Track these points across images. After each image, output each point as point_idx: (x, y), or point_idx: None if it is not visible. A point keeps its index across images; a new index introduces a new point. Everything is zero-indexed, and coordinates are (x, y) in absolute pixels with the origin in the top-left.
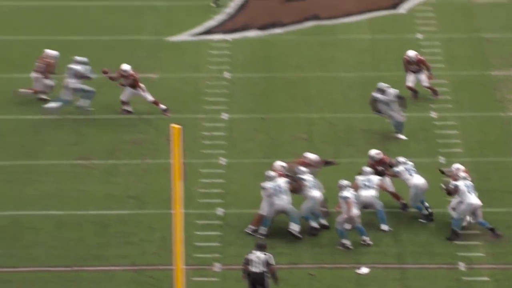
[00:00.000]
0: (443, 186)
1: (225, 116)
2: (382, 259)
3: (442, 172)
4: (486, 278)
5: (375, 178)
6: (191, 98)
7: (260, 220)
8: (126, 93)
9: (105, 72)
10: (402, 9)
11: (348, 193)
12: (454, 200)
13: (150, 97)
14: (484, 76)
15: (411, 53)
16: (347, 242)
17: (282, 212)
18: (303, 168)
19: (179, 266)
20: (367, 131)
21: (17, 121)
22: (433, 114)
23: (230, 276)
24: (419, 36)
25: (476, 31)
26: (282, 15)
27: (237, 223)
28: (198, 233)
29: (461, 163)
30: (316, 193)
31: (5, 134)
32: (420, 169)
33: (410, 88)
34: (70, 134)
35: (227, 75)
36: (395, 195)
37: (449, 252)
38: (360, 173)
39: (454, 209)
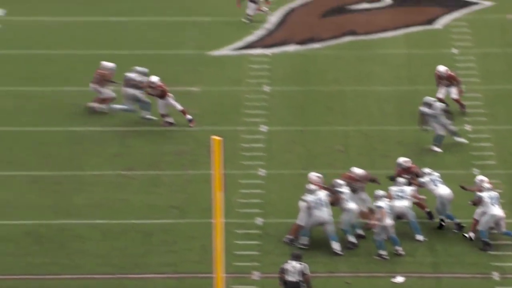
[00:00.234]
0: (470, 202)
1: (264, 128)
2: (417, 269)
3: (463, 188)
4: None
5: (409, 189)
6: (231, 110)
7: (297, 230)
8: (159, 105)
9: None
10: (438, 24)
11: (383, 203)
12: (478, 210)
13: (179, 106)
14: None
15: (442, 68)
16: (384, 252)
17: (322, 224)
18: (340, 181)
19: (219, 274)
20: (402, 143)
21: (64, 133)
22: (468, 127)
23: (268, 284)
24: (455, 51)
25: (510, 46)
26: (320, 30)
27: (275, 232)
28: (238, 242)
29: (495, 176)
30: (353, 206)
31: (52, 145)
32: (454, 181)
33: (440, 100)
34: (114, 146)
35: (266, 88)
36: (420, 204)
37: (483, 262)
38: (394, 183)
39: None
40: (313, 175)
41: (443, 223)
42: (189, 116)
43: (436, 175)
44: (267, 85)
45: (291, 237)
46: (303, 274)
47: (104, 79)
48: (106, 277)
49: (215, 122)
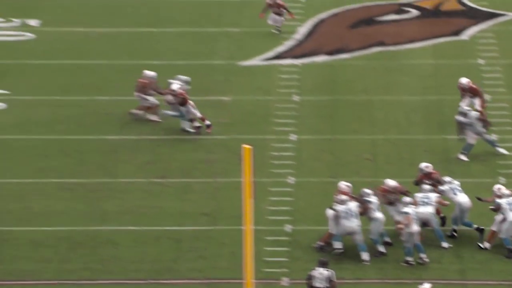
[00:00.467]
0: (490, 207)
1: (293, 137)
2: (444, 275)
3: (480, 199)
4: None
5: (433, 195)
6: (261, 119)
7: (329, 237)
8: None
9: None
10: (465, 35)
11: (409, 209)
12: (497, 218)
13: (198, 114)
14: None
15: (464, 80)
16: (411, 259)
17: (350, 234)
18: (368, 190)
19: (249, 280)
20: (430, 152)
21: (97, 141)
22: (494, 136)
23: None
24: (481, 61)
25: None
26: (349, 41)
27: (304, 239)
28: (267, 248)
29: None
30: (380, 215)
31: (86, 153)
32: (481, 189)
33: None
34: (146, 154)
35: (295, 98)
36: (436, 210)
37: (509, 269)
38: (419, 190)
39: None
40: (343, 184)
41: (455, 234)
42: (208, 122)
43: (456, 183)
44: (296, 94)
45: (322, 243)
46: (330, 280)
47: (144, 89)
48: (138, 282)
49: (246, 131)
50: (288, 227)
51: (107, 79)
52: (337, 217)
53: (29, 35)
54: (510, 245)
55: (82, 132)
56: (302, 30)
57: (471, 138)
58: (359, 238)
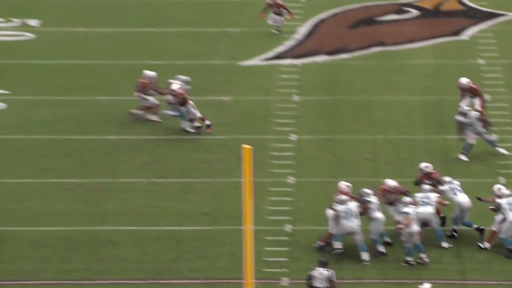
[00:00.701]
0: (490, 207)
1: (293, 137)
2: (444, 275)
3: (479, 199)
4: None
5: (433, 195)
6: (261, 120)
7: (329, 237)
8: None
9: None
10: (465, 35)
11: (409, 209)
12: (497, 218)
13: (198, 114)
14: None
15: (464, 80)
16: (410, 259)
17: (350, 234)
18: (368, 190)
19: (249, 280)
20: (430, 152)
21: (97, 141)
22: (494, 136)
23: None
24: (481, 61)
25: None
26: (349, 41)
27: (304, 239)
28: (267, 248)
29: None
30: (379, 215)
31: (86, 153)
32: (481, 189)
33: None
34: (146, 154)
35: (295, 98)
36: (436, 210)
37: (509, 269)
38: (419, 190)
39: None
40: (343, 184)
41: (455, 234)
42: (208, 122)
43: (456, 183)
44: (296, 94)
45: (321, 243)
46: (330, 280)
47: (144, 89)
48: (138, 282)
49: (246, 131)
50: (288, 227)
51: (107, 79)
52: (337, 217)
53: (29, 35)
54: (510, 245)
55: (82, 132)
56: (302, 30)
57: (471, 138)
58: (359, 238)
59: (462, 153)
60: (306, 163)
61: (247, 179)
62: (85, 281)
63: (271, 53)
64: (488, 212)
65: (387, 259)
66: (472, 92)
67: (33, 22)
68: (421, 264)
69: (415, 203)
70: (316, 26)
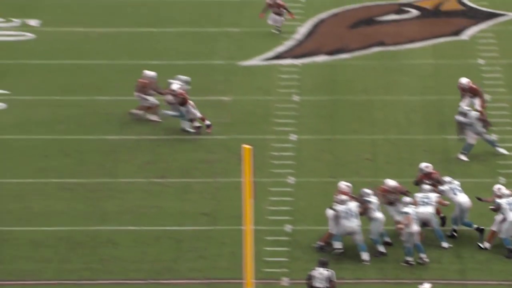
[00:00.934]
0: (490, 207)
1: (293, 137)
2: (444, 275)
3: (479, 199)
4: None
5: (433, 195)
6: (261, 120)
7: (329, 237)
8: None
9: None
10: (465, 35)
11: (409, 209)
12: (497, 218)
13: (198, 114)
14: None
15: (464, 80)
16: (410, 259)
17: (350, 234)
18: (368, 190)
19: (249, 280)
20: (430, 152)
21: (97, 141)
22: (494, 136)
23: None
24: (481, 61)
25: None
26: (349, 41)
27: (304, 239)
28: (267, 248)
29: None
30: (379, 215)
31: (86, 153)
32: (481, 189)
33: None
34: (146, 154)
35: (295, 98)
36: (436, 210)
37: (509, 269)
38: (420, 190)
39: None
40: (343, 184)
41: (455, 234)
42: (208, 122)
43: (456, 183)
44: (296, 94)
45: (321, 243)
46: (330, 280)
47: (144, 89)
48: (138, 282)
49: (246, 130)
50: (288, 227)
51: (107, 79)
52: (337, 217)
53: (29, 35)
54: (510, 245)
55: (82, 132)
56: (302, 30)
57: (471, 138)
58: (359, 238)
59: (462, 153)
60: (306, 163)
61: (247, 179)
62: (85, 281)
63: (271, 53)
64: (488, 212)
65: (387, 259)
66: (472, 92)
67: (33, 22)
68: (421, 264)
69: (415, 203)
70: (316, 26)
